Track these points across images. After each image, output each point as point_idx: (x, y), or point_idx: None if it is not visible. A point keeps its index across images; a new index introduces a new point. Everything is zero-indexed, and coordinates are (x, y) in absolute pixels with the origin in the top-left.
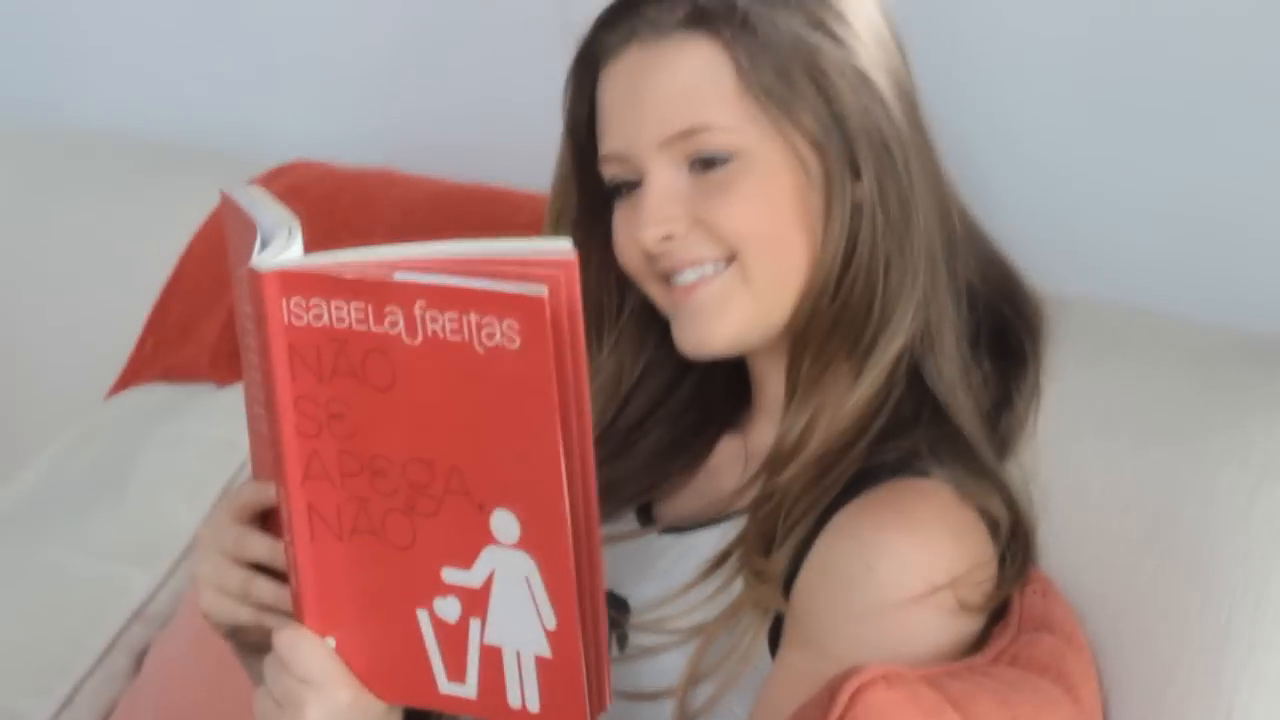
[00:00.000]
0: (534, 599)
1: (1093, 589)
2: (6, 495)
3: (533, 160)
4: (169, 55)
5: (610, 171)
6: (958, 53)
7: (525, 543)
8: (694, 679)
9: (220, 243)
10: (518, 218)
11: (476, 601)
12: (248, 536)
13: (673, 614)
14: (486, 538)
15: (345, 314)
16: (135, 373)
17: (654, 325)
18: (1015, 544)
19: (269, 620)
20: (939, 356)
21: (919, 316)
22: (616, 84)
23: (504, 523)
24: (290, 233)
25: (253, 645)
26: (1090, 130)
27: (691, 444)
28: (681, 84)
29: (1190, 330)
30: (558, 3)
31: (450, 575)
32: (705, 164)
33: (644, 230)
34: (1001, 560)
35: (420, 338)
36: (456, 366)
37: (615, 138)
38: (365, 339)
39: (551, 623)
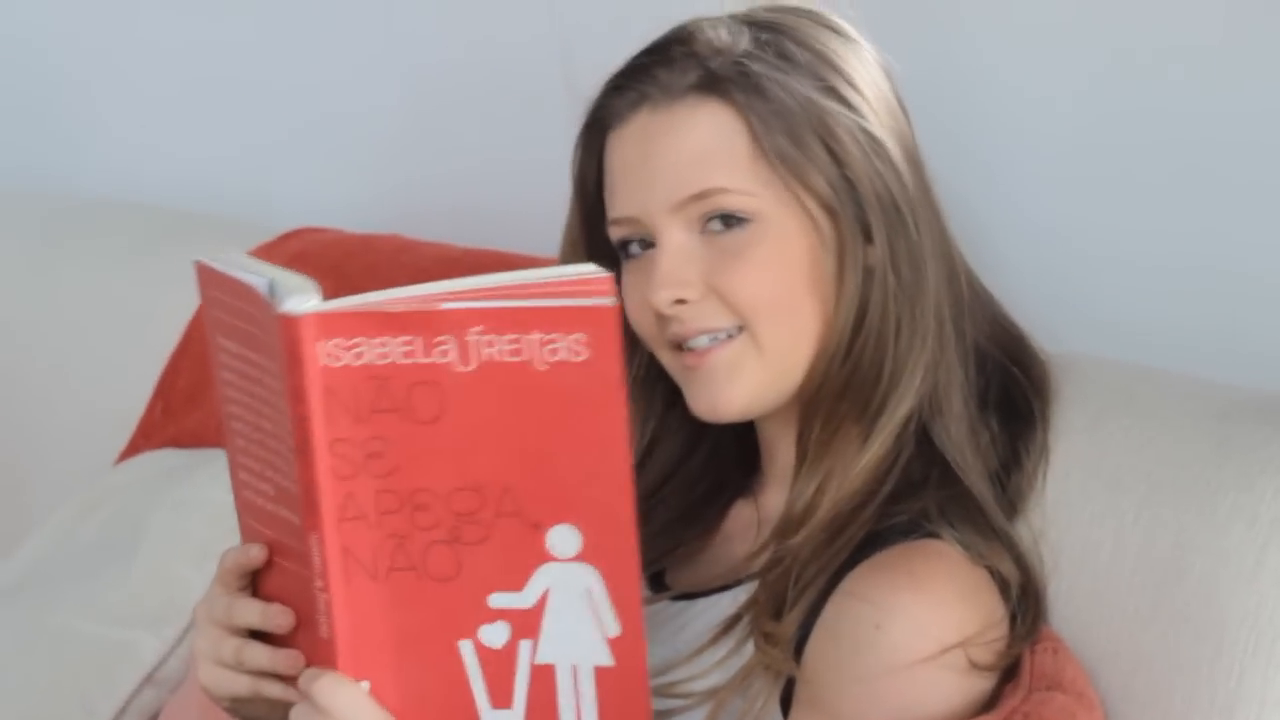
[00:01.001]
0: (595, 609)
1: (1103, 647)
2: (17, 561)
3: (540, 224)
4: (177, 122)
5: (619, 234)
6: (960, 115)
7: (586, 554)
8: None
9: None
10: None
11: (527, 622)
12: (238, 603)
13: (685, 678)
14: (541, 556)
15: (389, 350)
16: (145, 438)
17: (659, 389)
18: (1026, 603)
19: (266, 688)
20: (948, 418)
21: (928, 379)
22: (627, 148)
23: (563, 538)
24: (305, 288)
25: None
26: (1094, 189)
27: (704, 511)
28: (695, 147)
29: (1198, 389)
30: (563, 68)
31: (498, 600)
32: (718, 226)
33: (657, 293)
34: (1012, 619)
35: (475, 364)
36: (514, 388)
37: (626, 201)
38: (410, 373)
39: (615, 630)
